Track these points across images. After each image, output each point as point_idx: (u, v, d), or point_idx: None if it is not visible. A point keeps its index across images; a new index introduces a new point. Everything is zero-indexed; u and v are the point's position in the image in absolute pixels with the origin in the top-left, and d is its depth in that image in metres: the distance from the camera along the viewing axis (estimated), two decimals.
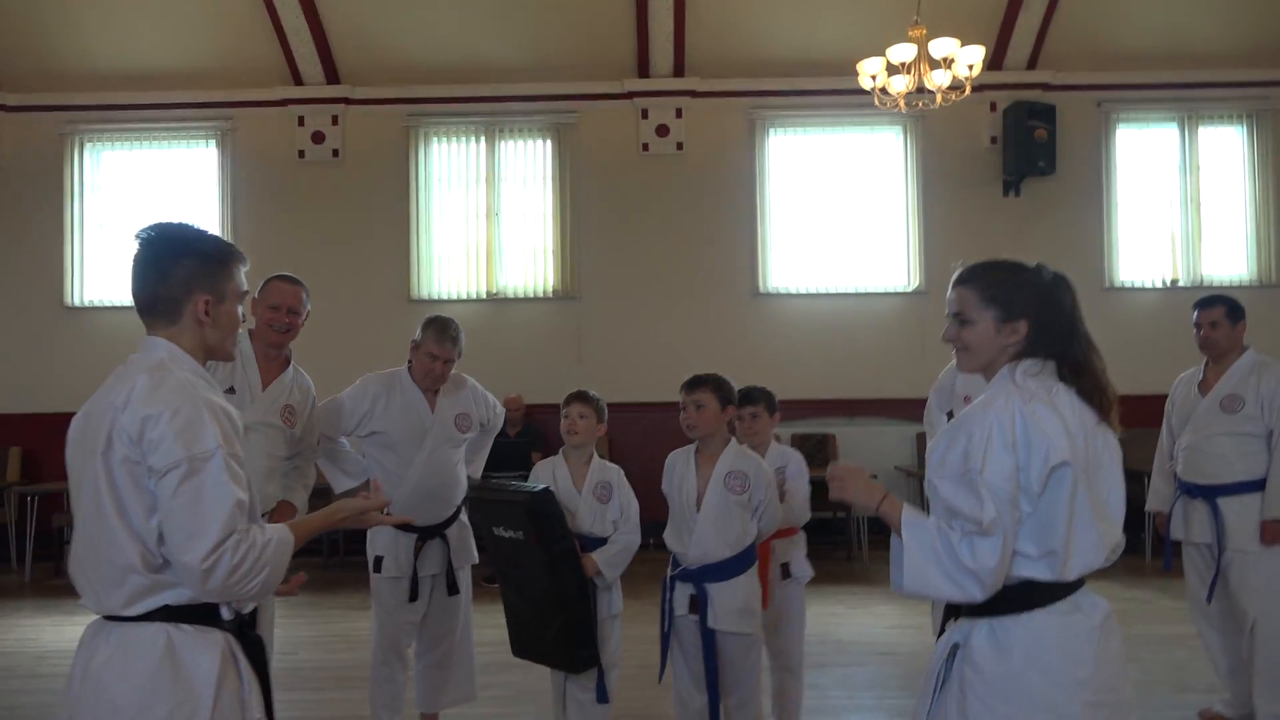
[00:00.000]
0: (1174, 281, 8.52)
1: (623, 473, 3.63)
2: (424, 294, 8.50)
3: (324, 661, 5.31)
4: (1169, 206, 8.59)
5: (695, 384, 3.41)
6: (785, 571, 3.82)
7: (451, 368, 3.95)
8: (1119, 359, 8.02)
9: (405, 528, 3.89)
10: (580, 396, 3.62)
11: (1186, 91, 8.55)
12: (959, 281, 2.14)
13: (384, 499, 2.23)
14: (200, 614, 1.90)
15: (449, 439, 3.97)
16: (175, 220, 2.04)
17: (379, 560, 3.95)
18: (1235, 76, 8.51)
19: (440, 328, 3.88)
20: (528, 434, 7.99)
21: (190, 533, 1.81)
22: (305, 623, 6.19)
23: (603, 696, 3.45)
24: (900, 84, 6.43)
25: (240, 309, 2.07)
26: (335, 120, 8.62)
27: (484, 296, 8.57)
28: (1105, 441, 2.05)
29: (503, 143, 8.64)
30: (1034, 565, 1.97)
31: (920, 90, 6.56)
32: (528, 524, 3.29)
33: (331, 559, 8.14)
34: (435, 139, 8.66)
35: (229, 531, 1.82)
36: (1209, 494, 4.11)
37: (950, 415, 4.23)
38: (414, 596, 3.92)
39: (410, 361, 3.99)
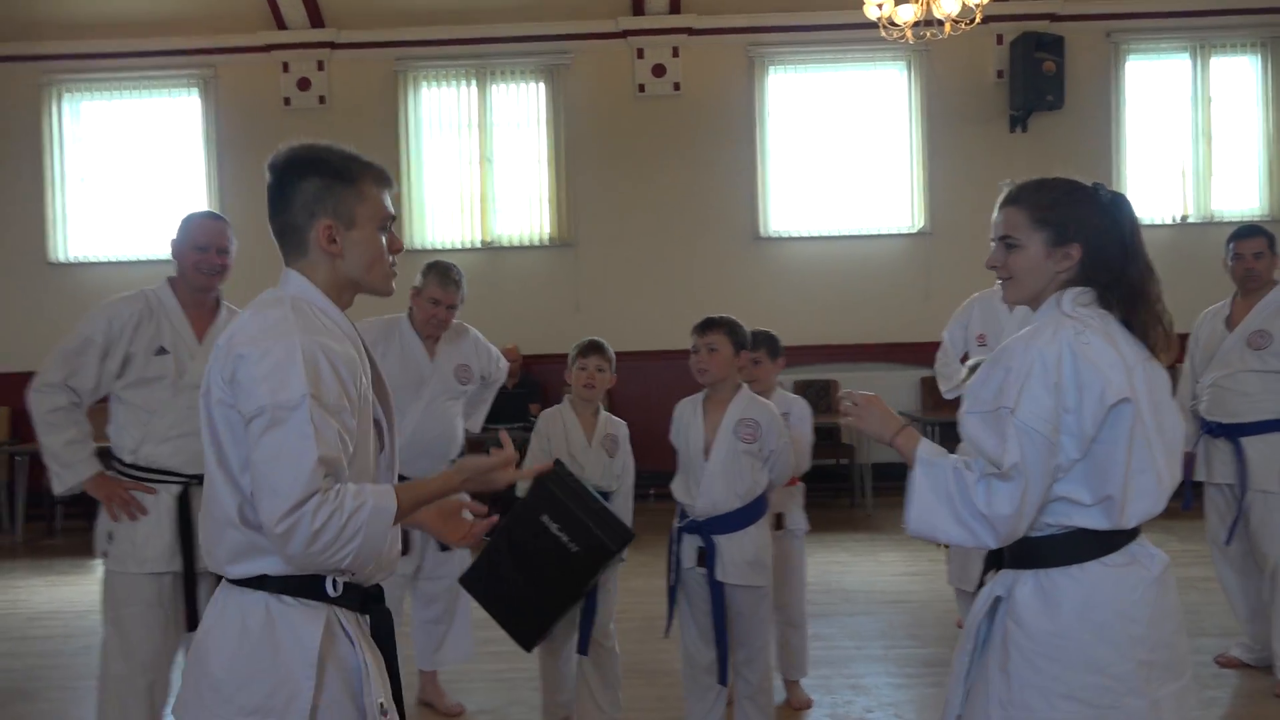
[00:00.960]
0: (1184, 217, 8.32)
1: (626, 427, 3.55)
2: (417, 244, 8.30)
3: None
4: (1179, 140, 8.36)
5: (708, 326, 3.27)
6: (779, 523, 3.69)
7: (454, 314, 3.85)
8: None
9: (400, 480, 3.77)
10: (598, 348, 3.53)
11: (1198, 20, 8.27)
12: (1007, 202, 1.97)
13: (513, 453, 1.86)
14: (302, 585, 1.69)
15: (447, 390, 3.86)
16: (309, 140, 1.80)
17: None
18: (1249, 3, 8.22)
19: (442, 271, 3.78)
20: (525, 385, 7.86)
21: (267, 490, 1.60)
22: None
23: (583, 649, 3.38)
24: (907, 13, 6.18)
25: (383, 236, 1.80)
26: (321, 66, 8.34)
27: (479, 245, 8.38)
28: (1159, 375, 1.89)
29: (494, 86, 8.38)
30: (1088, 513, 1.81)
31: (928, 22, 6.31)
32: (589, 548, 3.02)
33: None
34: (425, 83, 8.40)
35: (309, 492, 1.58)
36: (1233, 433, 3.99)
37: (965, 357, 4.10)
38: (406, 550, 3.77)
39: (411, 309, 3.86)
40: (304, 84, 8.35)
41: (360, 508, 1.63)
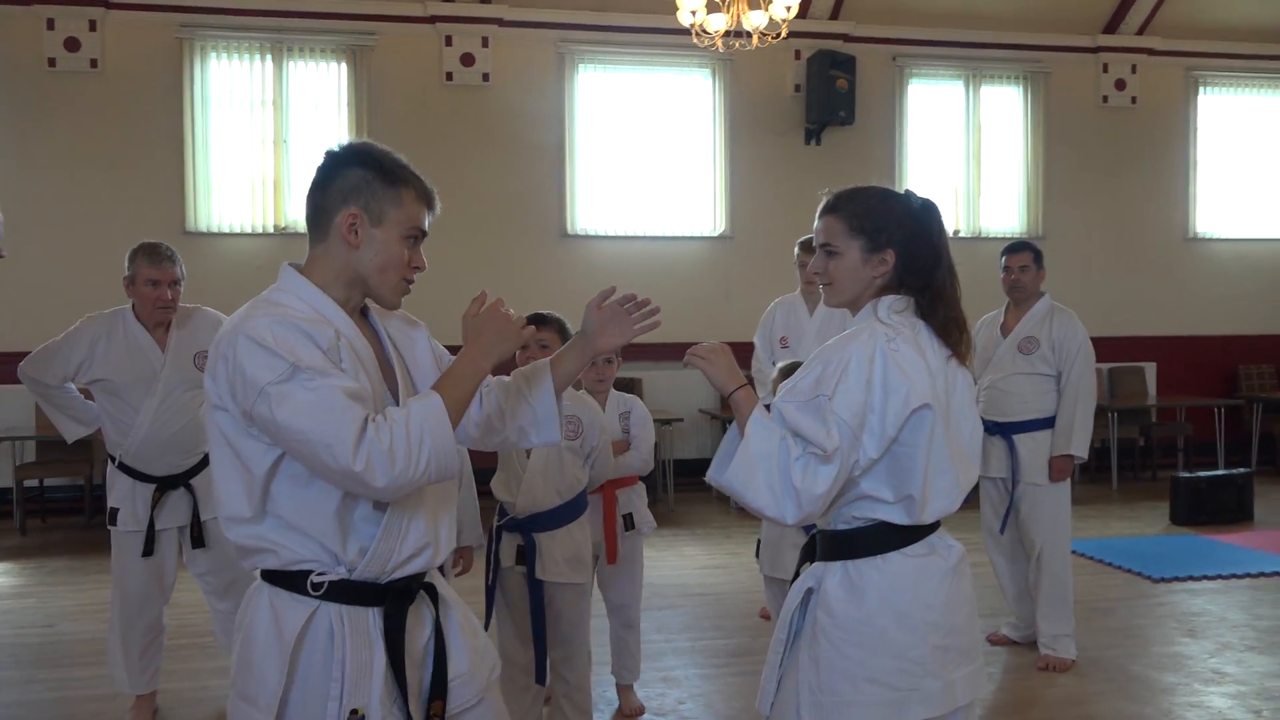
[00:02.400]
0: (956, 232, 9.02)
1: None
2: (201, 225, 7.75)
3: (93, 633, 4.76)
4: (954, 161, 9.06)
5: (541, 322, 3.22)
6: (629, 523, 3.72)
7: (179, 292, 3.59)
8: None
9: (142, 477, 3.60)
10: None
11: (971, 51, 8.99)
12: (825, 210, 2.05)
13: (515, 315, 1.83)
14: (289, 580, 1.70)
15: (186, 380, 3.58)
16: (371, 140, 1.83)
17: (113, 512, 3.60)
18: (1015, 39, 9.02)
19: (150, 249, 3.56)
20: None
21: (322, 446, 1.57)
22: (68, 590, 5.56)
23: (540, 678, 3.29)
24: (719, 22, 6.36)
25: (405, 252, 1.78)
26: (93, 26, 7.62)
27: (271, 230, 7.92)
28: (961, 379, 2.01)
29: (292, 63, 7.94)
30: (890, 509, 1.92)
31: (737, 33, 6.51)
32: None
33: (95, 518, 7.37)
34: (214, 54, 7.84)
35: (359, 423, 1.58)
36: (1006, 431, 4.34)
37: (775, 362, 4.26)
38: (148, 551, 3.57)
39: (133, 304, 3.60)
40: (72, 44, 7.60)
41: (409, 414, 1.63)
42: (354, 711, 1.67)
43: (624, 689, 3.87)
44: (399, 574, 1.75)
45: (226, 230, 7.79)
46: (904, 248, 1.98)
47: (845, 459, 1.83)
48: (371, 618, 1.73)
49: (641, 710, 3.82)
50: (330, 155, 1.79)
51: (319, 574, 1.69)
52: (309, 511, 1.68)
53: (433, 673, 1.78)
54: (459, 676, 1.84)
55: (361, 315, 1.86)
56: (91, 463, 7.32)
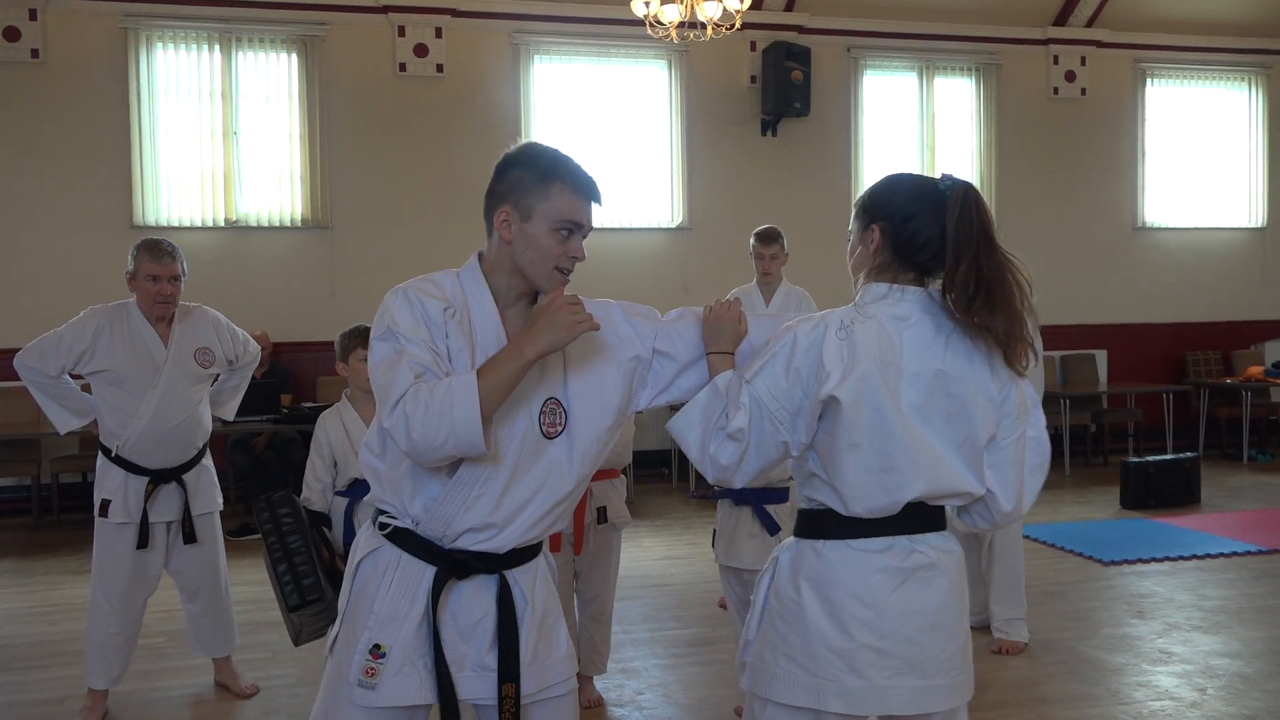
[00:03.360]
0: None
1: None
2: (149, 220, 7.60)
3: (41, 635, 4.68)
4: (908, 152, 9.14)
5: None
6: (602, 516, 3.69)
7: (180, 288, 3.65)
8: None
9: (137, 470, 3.63)
10: None
11: (924, 43, 9.07)
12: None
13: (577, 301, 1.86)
14: (376, 516, 1.92)
15: (187, 374, 3.67)
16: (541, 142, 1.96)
17: (105, 504, 3.63)
18: (967, 31, 9.12)
19: (151, 246, 3.61)
20: (276, 375, 7.41)
21: (380, 400, 1.79)
22: (14, 592, 5.45)
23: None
24: (673, 13, 6.35)
25: (556, 243, 1.88)
26: (33, 15, 7.43)
27: (222, 224, 7.79)
28: (946, 390, 1.86)
29: (241, 54, 7.80)
30: (827, 495, 1.89)
31: (691, 24, 6.51)
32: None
33: (43, 518, 7.23)
34: (160, 44, 7.69)
35: (403, 391, 1.74)
36: None
37: None
38: (143, 543, 3.64)
39: (136, 298, 3.68)
40: (12, 34, 7.41)
41: (441, 387, 1.73)
42: (376, 646, 1.83)
43: (584, 679, 3.86)
44: (460, 544, 1.85)
45: (176, 224, 7.64)
46: (893, 225, 1.90)
47: (754, 438, 1.85)
48: (424, 573, 1.85)
49: (600, 701, 3.82)
50: (503, 158, 1.94)
51: (388, 517, 1.88)
52: (395, 460, 1.85)
53: (503, 657, 1.85)
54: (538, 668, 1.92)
55: (529, 302, 1.97)
56: (39, 462, 7.17)
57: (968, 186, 1.90)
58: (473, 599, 1.86)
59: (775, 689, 1.90)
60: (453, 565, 1.84)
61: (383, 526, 1.87)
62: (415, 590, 1.84)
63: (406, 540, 1.85)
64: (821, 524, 1.91)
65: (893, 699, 1.85)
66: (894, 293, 1.91)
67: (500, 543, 1.84)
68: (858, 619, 1.84)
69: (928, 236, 1.89)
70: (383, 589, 1.85)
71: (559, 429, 1.87)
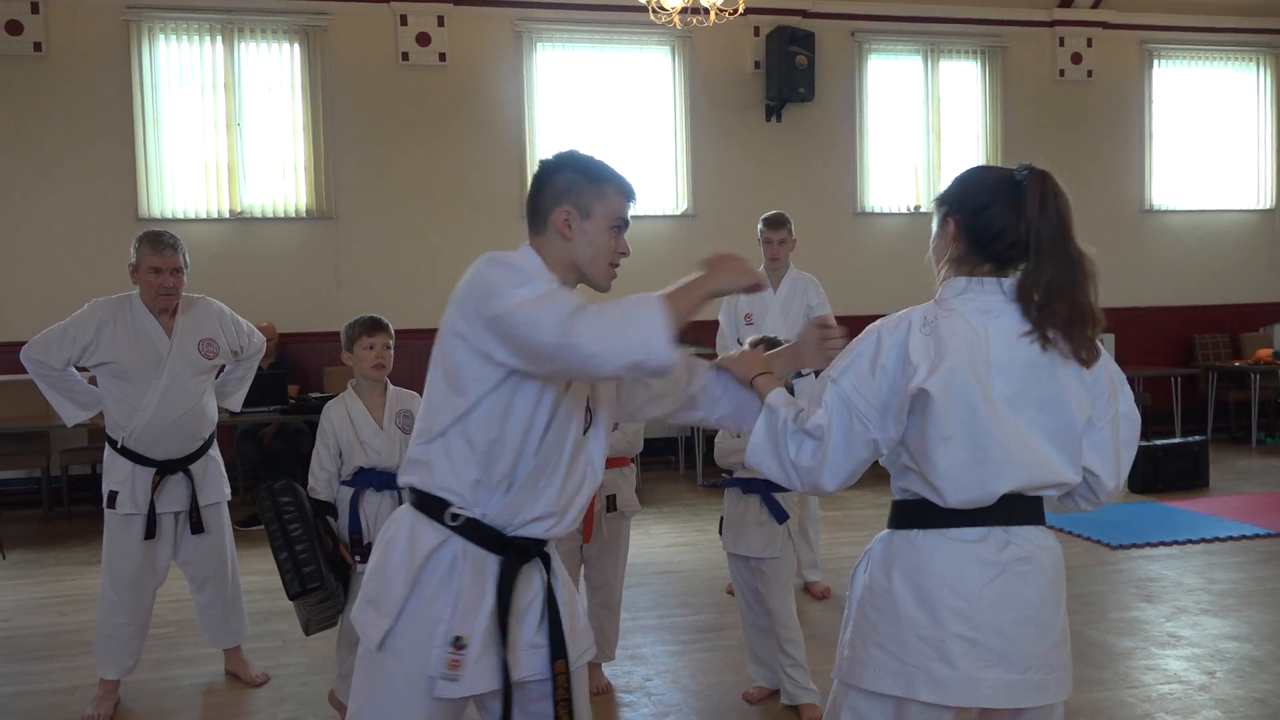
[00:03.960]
0: (917, 207, 9.07)
1: (419, 399, 3.41)
2: (155, 212, 7.61)
3: (52, 626, 4.71)
4: (913, 136, 9.09)
5: None
6: (611, 504, 3.70)
7: (183, 279, 3.66)
8: (869, 280, 8.53)
9: (144, 461, 3.64)
10: (382, 326, 3.43)
11: (929, 26, 9.02)
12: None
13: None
14: (430, 507, 1.92)
15: (191, 366, 3.69)
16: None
17: (112, 495, 3.65)
18: (972, 14, 9.05)
19: (154, 238, 3.62)
20: (282, 365, 7.43)
21: (546, 318, 1.75)
22: (27, 583, 5.48)
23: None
24: None
25: (612, 240, 1.98)
26: (36, 9, 7.42)
27: (227, 216, 7.79)
28: (1040, 376, 1.86)
29: (243, 45, 7.79)
30: (922, 487, 1.89)
31: (694, 9, 6.48)
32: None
33: (54, 510, 7.27)
34: (162, 36, 7.67)
35: (580, 301, 1.77)
36: None
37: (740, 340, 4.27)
38: (150, 534, 3.66)
39: (139, 290, 3.69)
40: (14, 28, 7.40)
41: (622, 303, 1.75)
42: (458, 638, 1.86)
43: (593, 666, 3.86)
44: (523, 532, 1.92)
45: (180, 216, 7.65)
46: (968, 216, 1.90)
47: (837, 438, 1.86)
48: (489, 563, 1.91)
49: (608, 688, 3.83)
50: (543, 164, 2.02)
51: (458, 508, 1.89)
52: (470, 448, 1.88)
53: (551, 634, 1.96)
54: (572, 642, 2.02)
55: None
56: (49, 454, 7.20)
57: (1044, 175, 1.92)
58: (526, 583, 1.96)
59: (864, 676, 1.90)
60: (516, 552, 1.93)
61: (453, 519, 1.90)
62: (485, 579, 1.90)
63: (474, 531, 1.90)
64: (916, 514, 1.91)
65: (982, 691, 1.85)
66: (973, 286, 1.91)
67: (561, 529, 1.97)
68: (950, 608, 1.85)
69: (1001, 227, 1.90)
70: (455, 582, 1.89)
71: (588, 424, 2.02)
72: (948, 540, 1.87)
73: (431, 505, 1.91)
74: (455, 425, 1.88)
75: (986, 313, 1.88)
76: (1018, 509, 1.88)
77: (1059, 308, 1.86)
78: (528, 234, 2.03)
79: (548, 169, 2.01)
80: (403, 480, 1.97)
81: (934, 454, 1.85)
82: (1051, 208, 1.89)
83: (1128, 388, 2.00)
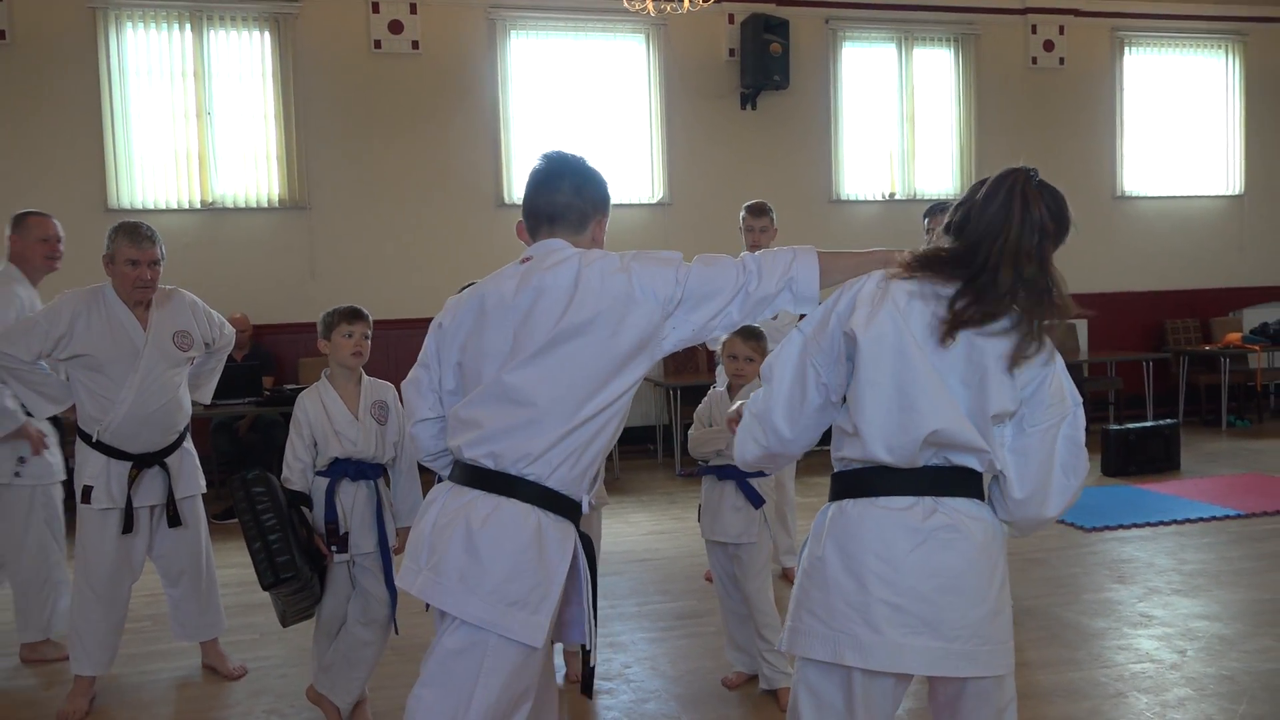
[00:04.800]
0: (891, 194, 9.10)
1: (395, 390, 3.40)
2: (124, 203, 7.51)
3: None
4: (888, 124, 9.12)
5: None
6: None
7: (159, 272, 3.62)
8: None
9: (119, 455, 3.59)
10: (361, 315, 3.41)
11: (903, 13, 9.04)
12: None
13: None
14: (563, 507, 2.06)
15: (166, 358, 3.66)
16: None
17: (87, 490, 3.61)
18: (945, 2, 9.08)
19: (130, 229, 3.58)
20: (257, 357, 7.37)
21: (730, 273, 2.10)
22: None
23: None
24: None
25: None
26: None
27: (198, 206, 7.71)
28: (969, 358, 1.89)
29: (212, 32, 7.69)
30: (852, 444, 1.96)
31: None
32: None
33: None
34: (130, 24, 7.57)
35: (736, 260, 2.12)
36: None
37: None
38: (128, 528, 3.63)
39: (112, 282, 3.65)
40: None
41: (782, 252, 2.11)
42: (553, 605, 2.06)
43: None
44: (583, 499, 2.12)
45: (151, 207, 7.55)
46: (959, 216, 2.00)
47: (787, 379, 1.98)
48: (568, 529, 2.10)
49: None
50: (583, 165, 2.21)
51: (537, 482, 2.04)
52: (591, 442, 2.07)
53: (593, 594, 2.18)
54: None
55: None
56: None
57: (1006, 173, 1.99)
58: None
59: (798, 643, 1.98)
60: (576, 518, 2.12)
61: (547, 496, 2.02)
62: (566, 546, 2.07)
63: (558, 503, 2.05)
64: (850, 484, 1.97)
65: (908, 657, 1.87)
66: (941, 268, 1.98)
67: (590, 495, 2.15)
68: (874, 574, 1.88)
69: (978, 228, 1.96)
70: (559, 551, 2.05)
71: None
72: (876, 508, 1.92)
73: (560, 503, 2.06)
74: (596, 417, 2.04)
75: (940, 295, 1.92)
76: (945, 478, 1.91)
77: (1005, 309, 1.94)
78: (549, 229, 2.19)
79: (592, 173, 2.21)
80: (518, 470, 2.02)
81: (864, 398, 1.90)
82: (1010, 206, 2.02)
83: (1081, 416, 1.99)
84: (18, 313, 3.86)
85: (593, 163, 2.23)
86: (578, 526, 2.12)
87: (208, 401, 4.16)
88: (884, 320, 1.89)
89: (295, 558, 3.06)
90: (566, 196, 2.16)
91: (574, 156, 2.22)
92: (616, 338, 2.03)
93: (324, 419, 3.31)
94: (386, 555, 3.32)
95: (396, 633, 3.42)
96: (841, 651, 1.90)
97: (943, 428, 1.88)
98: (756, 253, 2.13)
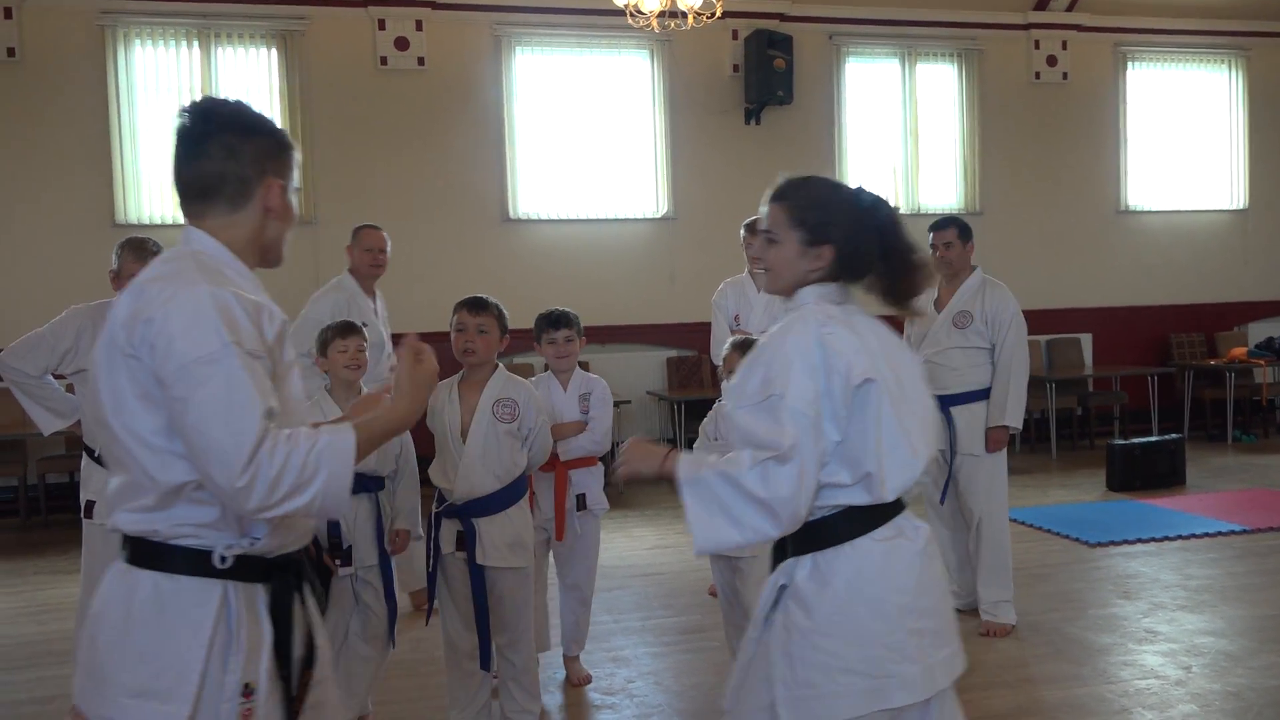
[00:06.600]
0: (895, 209, 9.09)
1: None
2: (131, 218, 7.55)
3: (30, 635, 4.67)
4: (891, 138, 9.15)
5: (480, 307, 3.21)
6: (581, 503, 3.74)
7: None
8: None
9: None
10: (355, 329, 3.49)
11: (906, 29, 9.07)
12: (772, 197, 2.02)
13: (435, 365, 1.79)
14: (193, 562, 1.64)
15: None
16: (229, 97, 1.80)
17: (90, 505, 3.62)
18: (948, 17, 9.12)
19: (136, 244, 3.62)
20: None
21: (215, 450, 1.53)
22: (4, 592, 5.43)
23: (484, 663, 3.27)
24: (653, 2, 6.34)
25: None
26: (9, 13, 7.37)
27: None
28: (909, 357, 2.02)
29: (220, 50, 7.75)
30: (850, 492, 1.88)
31: (672, 13, 6.50)
32: None
33: (31, 518, 7.20)
34: (138, 41, 7.63)
35: (259, 440, 1.53)
36: (943, 404, 4.39)
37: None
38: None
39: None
40: None
41: (316, 443, 1.59)
42: (246, 685, 1.64)
43: (571, 660, 3.92)
44: (287, 547, 1.75)
45: (159, 222, 7.59)
46: (844, 245, 1.95)
47: (809, 451, 1.80)
48: (260, 593, 1.71)
49: (589, 678, 3.90)
50: (218, 120, 1.76)
51: (227, 546, 1.65)
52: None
53: (306, 642, 1.77)
54: (321, 646, 1.84)
55: None
56: (25, 463, 7.14)
57: (885, 201, 2.02)
58: (294, 594, 1.86)
59: (837, 708, 1.84)
60: (280, 571, 1.78)
61: (222, 560, 1.66)
62: (258, 614, 1.73)
63: (245, 567, 1.70)
64: (836, 529, 1.90)
65: (939, 674, 1.90)
66: (835, 293, 1.99)
67: (310, 535, 1.91)
68: (901, 607, 1.87)
69: (866, 256, 1.97)
70: (237, 629, 1.69)
71: None
72: (876, 543, 1.90)
73: (193, 561, 1.65)
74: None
75: (849, 312, 1.96)
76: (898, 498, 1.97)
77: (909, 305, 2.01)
78: (200, 208, 1.73)
79: (228, 132, 1.71)
80: (144, 524, 1.66)
81: (878, 443, 1.86)
82: (897, 227, 2.01)
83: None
84: (331, 318, 4.10)
85: (254, 108, 1.79)
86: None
87: None
88: (872, 358, 1.90)
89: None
90: (217, 162, 1.71)
91: (227, 102, 1.77)
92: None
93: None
94: (387, 569, 3.33)
95: (393, 647, 3.41)
96: (890, 695, 1.84)
97: (934, 450, 1.97)
98: None
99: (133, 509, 1.65)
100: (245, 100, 1.79)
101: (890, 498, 1.90)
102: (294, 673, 1.72)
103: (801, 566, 1.92)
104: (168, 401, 1.57)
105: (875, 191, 2.02)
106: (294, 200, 1.82)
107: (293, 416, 1.71)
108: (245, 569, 1.68)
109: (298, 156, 1.83)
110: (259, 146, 1.74)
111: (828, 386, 1.84)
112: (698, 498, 1.85)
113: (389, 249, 4.98)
